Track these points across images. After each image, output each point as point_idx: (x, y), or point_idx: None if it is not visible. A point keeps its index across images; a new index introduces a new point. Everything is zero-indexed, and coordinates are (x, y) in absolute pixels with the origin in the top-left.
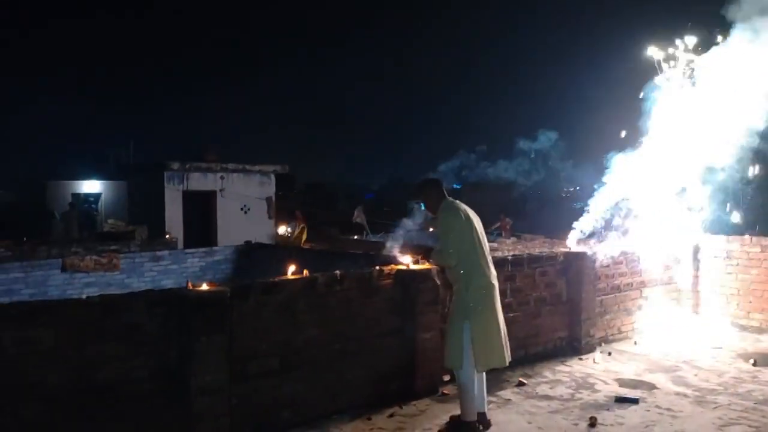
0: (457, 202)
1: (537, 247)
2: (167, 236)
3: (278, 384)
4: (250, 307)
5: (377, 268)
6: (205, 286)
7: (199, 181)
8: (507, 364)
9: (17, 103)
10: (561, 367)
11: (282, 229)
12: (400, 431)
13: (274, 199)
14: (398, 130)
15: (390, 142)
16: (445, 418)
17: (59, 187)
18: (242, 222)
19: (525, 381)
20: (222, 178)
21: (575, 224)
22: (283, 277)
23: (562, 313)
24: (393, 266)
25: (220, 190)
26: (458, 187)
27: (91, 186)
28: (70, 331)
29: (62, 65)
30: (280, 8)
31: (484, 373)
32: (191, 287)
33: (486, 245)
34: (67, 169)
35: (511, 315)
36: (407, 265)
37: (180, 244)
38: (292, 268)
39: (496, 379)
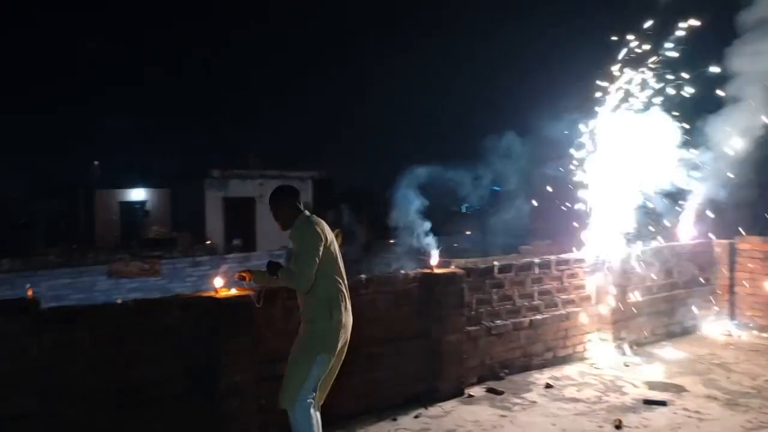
0: (313, 216)
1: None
2: (207, 242)
3: None
4: (278, 311)
5: (402, 271)
6: (234, 291)
7: (238, 188)
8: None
9: (66, 113)
10: (590, 370)
11: None
12: (425, 431)
13: (312, 204)
14: (436, 131)
15: (428, 142)
16: (471, 419)
17: (108, 195)
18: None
19: (552, 383)
20: (261, 184)
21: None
22: None
23: (592, 315)
24: (420, 269)
25: (259, 196)
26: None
27: (137, 194)
28: (107, 333)
29: (111, 76)
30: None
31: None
32: (219, 293)
33: (343, 267)
34: (115, 178)
35: (539, 317)
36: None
37: (220, 250)
38: None
39: (523, 381)
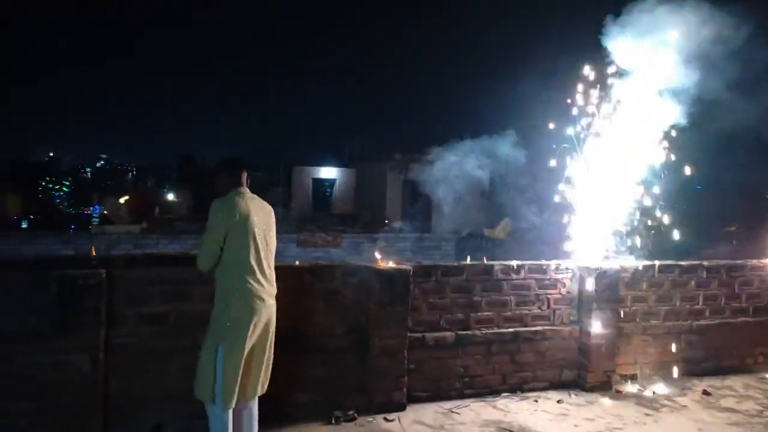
0: (244, 194)
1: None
2: (386, 220)
3: (452, 356)
4: (431, 286)
5: (556, 261)
6: (392, 264)
7: (418, 172)
8: (256, 394)
9: (273, 96)
10: (758, 384)
11: None
12: (562, 416)
13: (488, 191)
14: None
15: None
16: (613, 412)
17: (303, 172)
18: (457, 212)
19: (710, 391)
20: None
21: None
22: (463, 262)
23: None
24: (574, 261)
25: (436, 182)
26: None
27: (328, 172)
28: (285, 287)
29: (319, 68)
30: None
31: (254, 406)
32: (379, 264)
33: (269, 253)
34: (310, 156)
35: (703, 323)
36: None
37: (397, 228)
38: (468, 257)
39: (679, 384)
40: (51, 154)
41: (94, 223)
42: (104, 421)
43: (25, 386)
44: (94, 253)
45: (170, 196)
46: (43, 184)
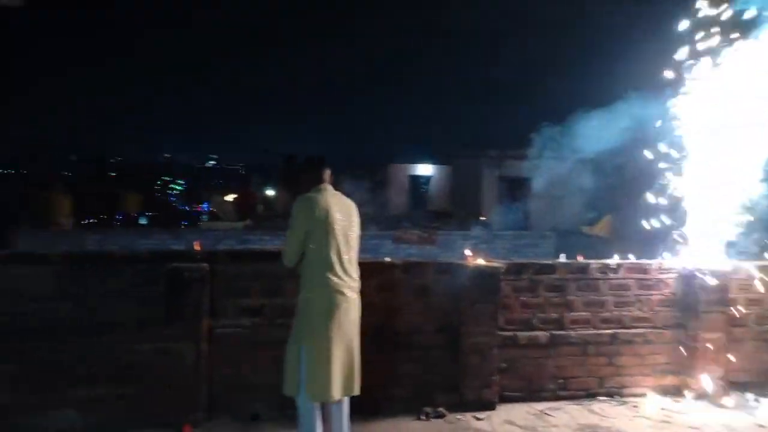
0: (327, 191)
1: None
2: (481, 217)
3: (546, 356)
4: (524, 284)
5: (658, 260)
6: (482, 261)
7: (514, 168)
8: (350, 394)
9: (374, 101)
10: None
11: None
12: (664, 424)
13: (590, 186)
14: None
15: None
16: (721, 422)
17: (399, 169)
18: (555, 209)
19: None
20: (536, 166)
21: None
22: (556, 261)
23: None
24: (680, 262)
25: (534, 176)
26: None
27: (424, 169)
28: (378, 284)
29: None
30: None
31: (345, 403)
32: (469, 261)
33: (351, 248)
34: (406, 154)
35: None
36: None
37: (493, 226)
38: (563, 255)
39: None
40: (167, 156)
41: (204, 220)
42: (208, 407)
43: (134, 372)
44: (199, 248)
45: (272, 194)
46: (160, 183)
